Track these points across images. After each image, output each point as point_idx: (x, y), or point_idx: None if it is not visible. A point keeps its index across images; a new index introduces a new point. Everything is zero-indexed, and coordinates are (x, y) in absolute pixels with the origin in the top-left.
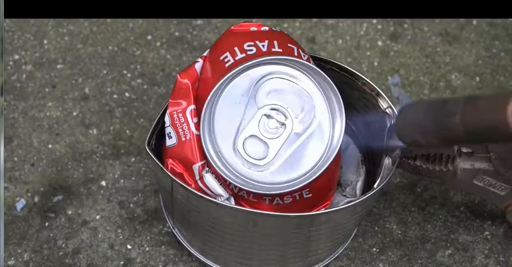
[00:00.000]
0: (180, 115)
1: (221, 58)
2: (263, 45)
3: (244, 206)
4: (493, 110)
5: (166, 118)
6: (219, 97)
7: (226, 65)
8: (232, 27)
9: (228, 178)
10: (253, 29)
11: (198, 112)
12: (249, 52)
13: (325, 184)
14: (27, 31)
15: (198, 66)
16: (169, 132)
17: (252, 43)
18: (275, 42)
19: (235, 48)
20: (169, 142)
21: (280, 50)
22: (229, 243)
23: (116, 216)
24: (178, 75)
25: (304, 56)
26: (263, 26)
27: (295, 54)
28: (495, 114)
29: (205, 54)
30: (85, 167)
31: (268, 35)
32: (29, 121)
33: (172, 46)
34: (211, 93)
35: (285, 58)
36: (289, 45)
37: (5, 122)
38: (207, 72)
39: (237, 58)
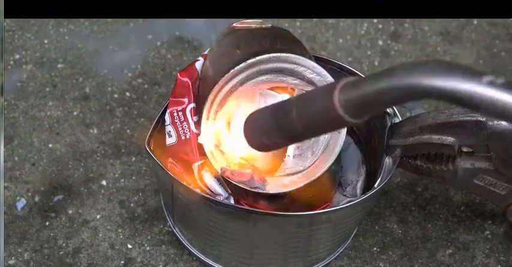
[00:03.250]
0: (180, 113)
1: (222, 56)
2: (265, 43)
3: (244, 206)
4: (321, 99)
5: (167, 117)
6: (221, 96)
7: (228, 63)
8: (234, 24)
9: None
10: (255, 26)
11: (198, 111)
12: (251, 50)
13: (325, 184)
14: (28, 30)
15: (198, 64)
16: (170, 131)
17: (255, 40)
18: (277, 40)
19: (237, 46)
20: (169, 141)
21: (283, 48)
22: (229, 243)
23: (116, 215)
24: (178, 74)
25: (306, 55)
26: (265, 23)
27: (298, 52)
28: (324, 102)
29: (206, 52)
30: (85, 166)
31: (271, 32)
32: (29, 121)
33: (173, 45)
34: (213, 91)
35: (288, 56)
36: (291, 43)
37: (6, 121)
38: (207, 70)
39: (238, 56)
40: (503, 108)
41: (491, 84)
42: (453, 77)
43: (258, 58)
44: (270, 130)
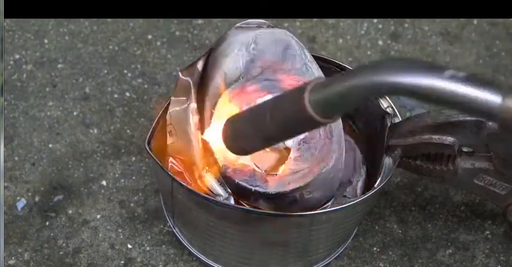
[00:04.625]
0: (181, 113)
1: (224, 56)
2: (267, 45)
3: (244, 206)
4: (293, 101)
5: (168, 116)
6: (224, 96)
7: (231, 63)
8: (237, 24)
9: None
10: (257, 26)
11: (199, 110)
12: (253, 51)
13: (326, 184)
14: (28, 30)
15: (200, 64)
16: (170, 130)
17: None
18: (278, 42)
19: (239, 46)
20: (170, 141)
21: (284, 50)
22: (229, 243)
23: (116, 215)
24: (180, 73)
25: (307, 56)
26: (267, 23)
27: (298, 54)
28: (295, 103)
29: (207, 51)
30: (85, 166)
31: (273, 33)
32: (29, 121)
33: (173, 45)
34: (216, 91)
35: (289, 60)
36: (292, 46)
37: (6, 121)
38: (209, 69)
39: (240, 55)
40: (466, 101)
41: (453, 78)
42: (415, 73)
43: (260, 59)
44: (247, 134)
